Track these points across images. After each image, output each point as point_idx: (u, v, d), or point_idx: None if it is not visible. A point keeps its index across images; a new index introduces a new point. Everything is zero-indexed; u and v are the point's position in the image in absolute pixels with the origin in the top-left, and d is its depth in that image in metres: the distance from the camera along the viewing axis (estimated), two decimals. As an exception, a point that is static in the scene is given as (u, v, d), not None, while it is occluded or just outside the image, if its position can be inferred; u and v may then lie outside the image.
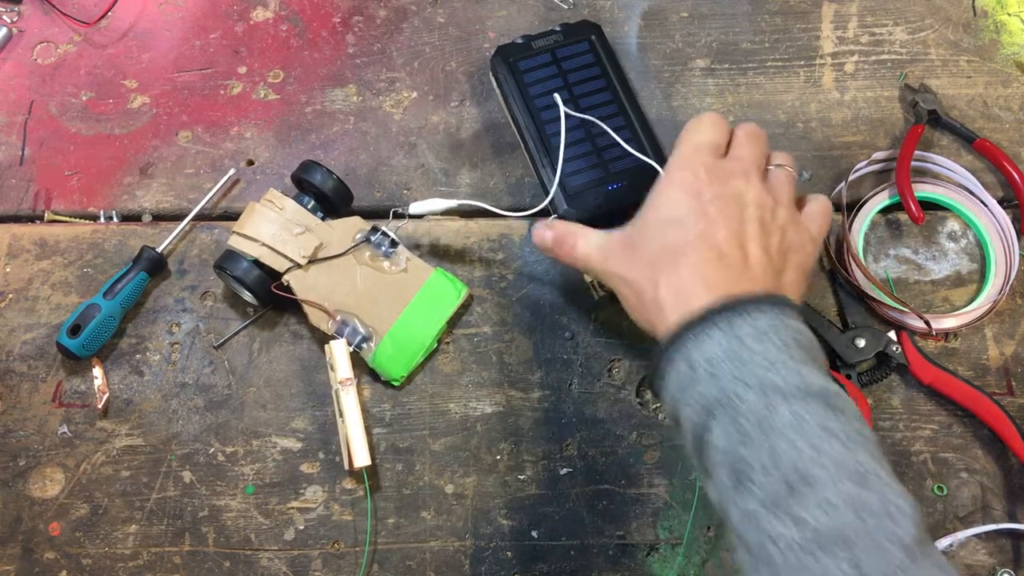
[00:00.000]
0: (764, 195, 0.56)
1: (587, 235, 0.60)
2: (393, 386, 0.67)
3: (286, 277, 0.66)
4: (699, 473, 0.51)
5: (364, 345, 0.66)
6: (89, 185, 0.73)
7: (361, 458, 0.63)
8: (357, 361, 0.66)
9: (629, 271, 0.56)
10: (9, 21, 0.79)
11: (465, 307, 0.69)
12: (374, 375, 0.67)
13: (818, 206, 0.60)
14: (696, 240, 0.54)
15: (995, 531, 0.64)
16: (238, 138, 0.75)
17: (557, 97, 0.69)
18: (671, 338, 0.51)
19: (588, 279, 0.68)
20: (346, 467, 0.64)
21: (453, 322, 0.69)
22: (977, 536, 0.64)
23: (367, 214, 0.70)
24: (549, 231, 0.62)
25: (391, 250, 0.68)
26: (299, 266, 0.66)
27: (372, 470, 0.65)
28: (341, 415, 0.64)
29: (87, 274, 0.70)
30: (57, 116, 0.75)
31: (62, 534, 0.63)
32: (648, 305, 0.54)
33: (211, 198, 0.71)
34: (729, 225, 0.54)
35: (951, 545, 0.63)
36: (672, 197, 0.56)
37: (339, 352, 0.64)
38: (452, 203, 0.68)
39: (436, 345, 0.68)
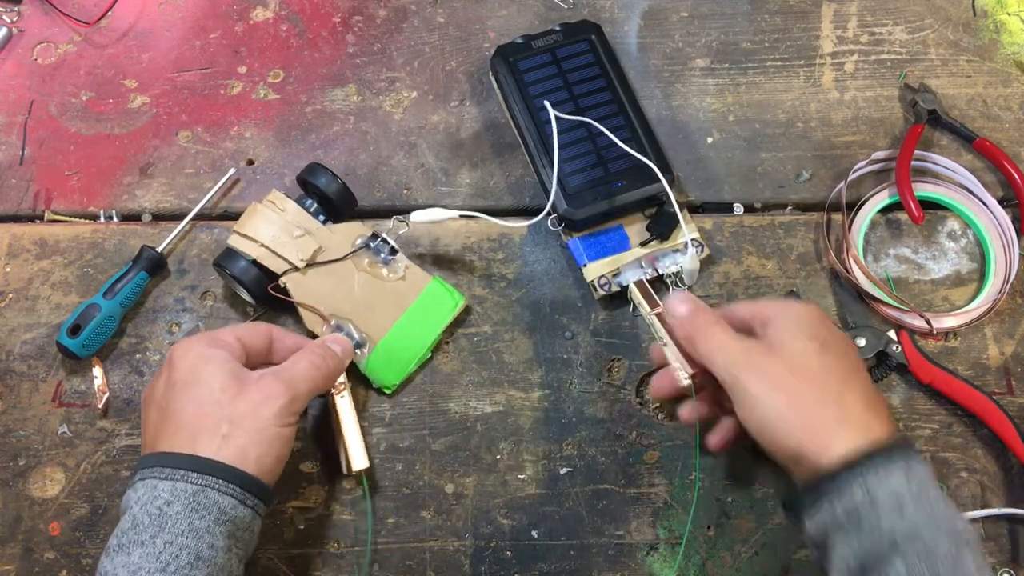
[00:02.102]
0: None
1: (724, 325, 0.58)
2: (384, 393, 0.67)
3: (283, 279, 0.66)
4: None
5: (358, 351, 0.66)
6: (89, 185, 0.73)
7: (359, 461, 0.63)
8: (350, 366, 0.66)
9: (788, 377, 0.55)
10: (9, 21, 0.79)
11: (463, 316, 0.69)
12: (368, 380, 0.67)
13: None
14: (859, 373, 0.56)
15: (995, 530, 0.64)
16: (238, 138, 0.75)
17: (547, 103, 0.69)
18: (844, 463, 0.52)
19: (590, 279, 0.68)
20: (344, 471, 0.64)
21: (450, 330, 0.69)
22: (977, 536, 0.64)
23: (367, 214, 0.70)
24: (684, 305, 0.60)
25: (390, 257, 0.68)
26: (297, 269, 0.66)
27: (371, 470, 0.65)
28: (336, 420, 0.63)
29: (87, 274, 0.70)
30: (57, 116, 0.75)
31: (62, 534, 0.63)
32: (810, 416, 0.54)
33: (211, 198, 0.71)
34: (864, 370, 0.58)
35: None
36: (816, 325, 0.57)
37: None
38: (453, 213, 0.67)
39: (430, 355, 0.68)
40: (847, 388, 0.55)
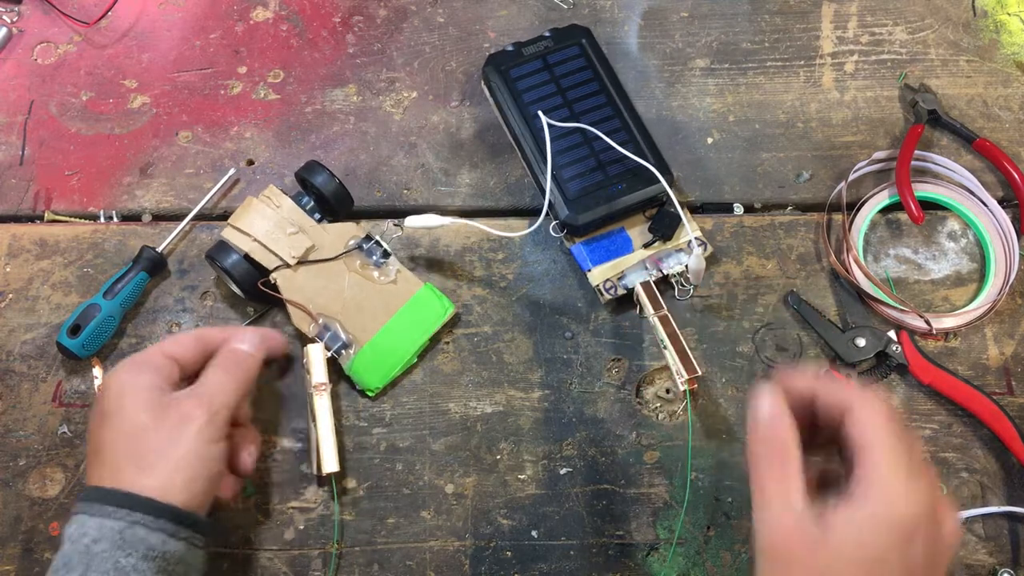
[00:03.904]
0: None
1: (792, 472, 0.46)
2: (367, 395, 0.67)
3: (274, 275, 0.66)
4: None
5: (343, 351, 0.66)
6: (89, 185, 0.73)
7: (330, 464, 0.62)
8: (335, 366, 0.66)
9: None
10: (9, 21, 0.79)
11: (463, 316, 0.69)
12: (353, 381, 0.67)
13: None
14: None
15: (995, 530, 0.64)
16: (238, 138, 0.75)
17: (540, 111, 0.69)
18: None
19: (596, 283, 0.68)
20: (314, 471, 0.63)
21: (451, 330, 0.69)
22: (977, 536, 0.64)
23: (367, 214, 0.70)
24: (767, 406, 0.48)
25: (382, 260, 0.68)
26: (288, 266, 0.66)
27: (341, 474, 0.65)
28: (313, 420, 0.63)
29: (87, 274, 0.70)
30: (57, 116, 0.75)
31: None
32: None
33: (211, 198, 0.71)
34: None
35: None
36: (914, 473, 0.45)
37: (315, 356, 0.64)
38: (447, 220, 0.67)
39: (415, 360, 0.68)
40: None
